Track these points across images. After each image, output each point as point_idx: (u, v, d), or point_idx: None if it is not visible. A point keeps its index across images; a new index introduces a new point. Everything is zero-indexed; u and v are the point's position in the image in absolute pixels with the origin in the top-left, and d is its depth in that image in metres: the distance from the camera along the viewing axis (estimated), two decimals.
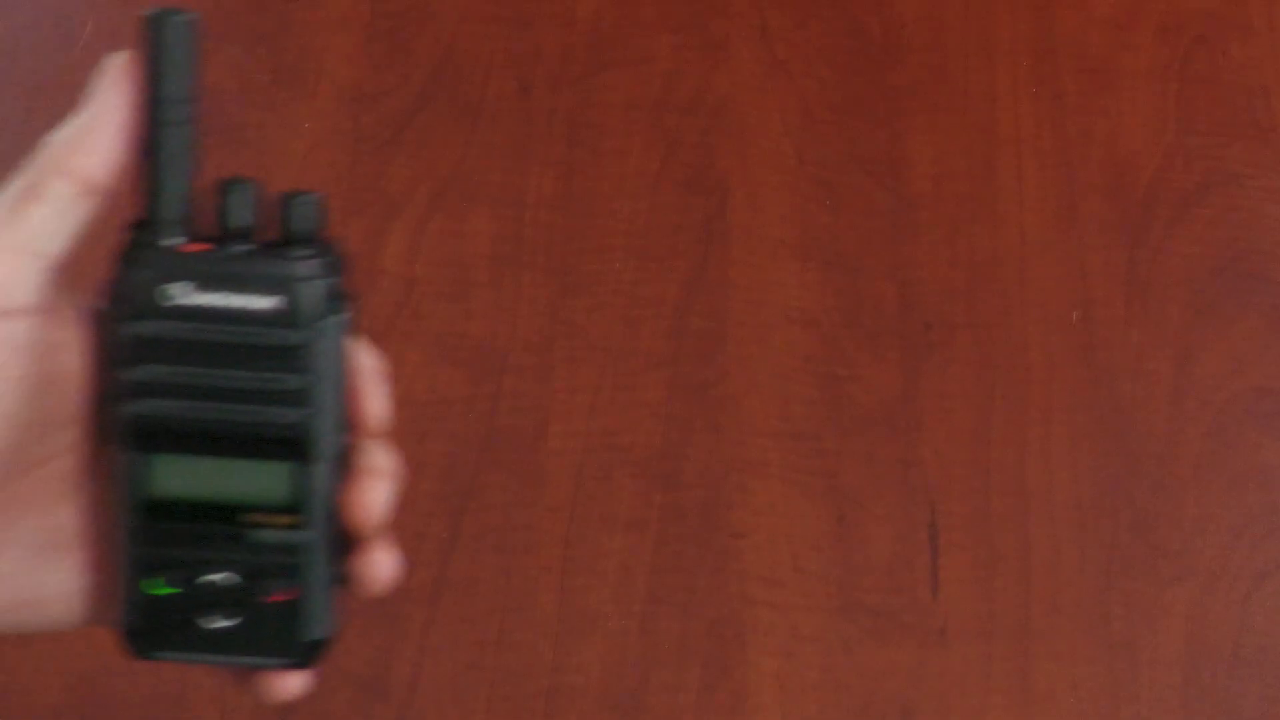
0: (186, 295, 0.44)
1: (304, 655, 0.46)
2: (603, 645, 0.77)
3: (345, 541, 0.46)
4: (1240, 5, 0.97)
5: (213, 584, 0.45)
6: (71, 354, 0.45)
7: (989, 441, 0.84)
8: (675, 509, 0.81)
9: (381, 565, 0.46)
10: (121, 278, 0.44)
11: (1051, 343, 0.87)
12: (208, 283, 0.44)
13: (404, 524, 0.50)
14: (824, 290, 0.87)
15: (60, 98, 0.99)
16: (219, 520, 0.45)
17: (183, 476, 0.45)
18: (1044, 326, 0.87)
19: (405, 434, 0.56)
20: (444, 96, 0.94)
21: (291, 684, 0.47)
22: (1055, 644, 0.78)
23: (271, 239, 0.44)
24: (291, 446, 0.45)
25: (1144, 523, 0.81)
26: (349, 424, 0.45)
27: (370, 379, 0.46)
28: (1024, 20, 0.97)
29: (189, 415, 0.44)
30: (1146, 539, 0.81)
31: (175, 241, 0.44)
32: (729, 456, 0.81)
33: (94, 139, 0.44)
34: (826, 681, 0.77)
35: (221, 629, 0.46)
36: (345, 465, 0.45)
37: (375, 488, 0.45)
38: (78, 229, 0.44)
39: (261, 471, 0.45)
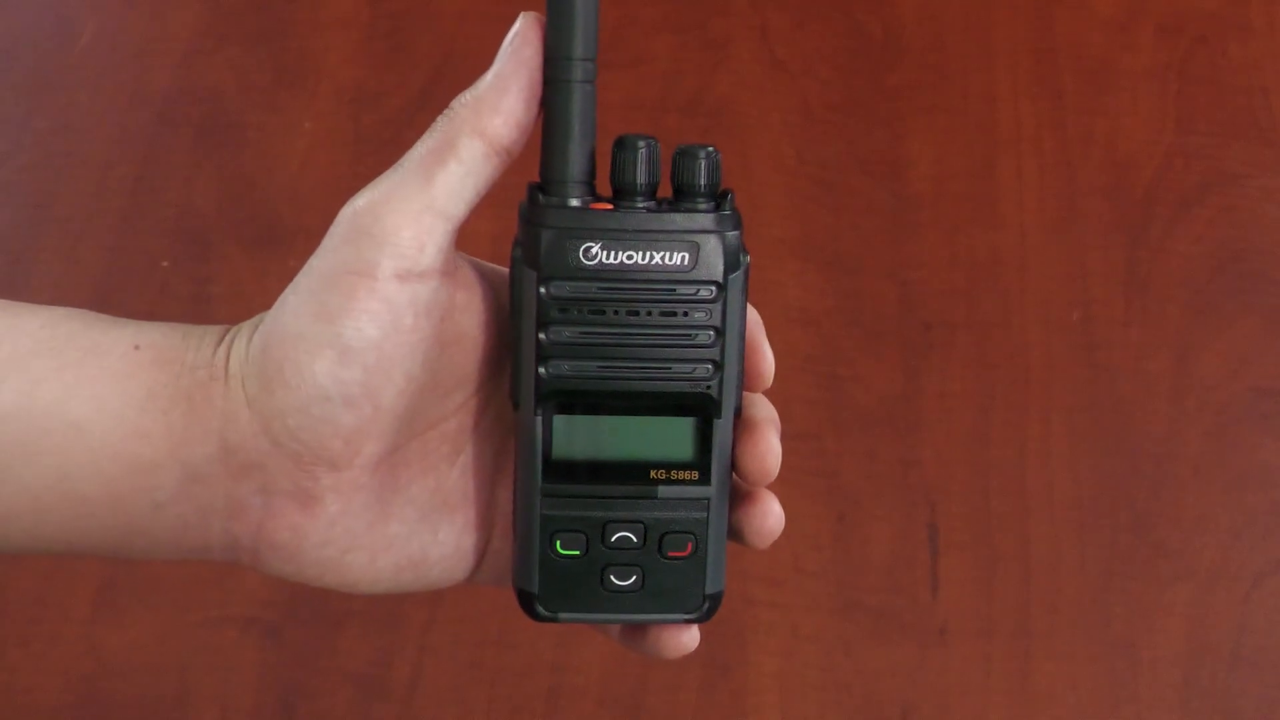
0: (603, 254, 0.43)
1: (704, 609, 0.46)
2: (603, 645, 0.77)
3: (735, 494, 0.46)
4: (1240, 5, 0.97)
5: (619, 543, 0.45)
6: (469, 315, 0.45)
7: (989, 441, 0.84)
8: None
9: (773, 516, 0.46)
10: (536, 238, 0.43)
11: (1051, 343, 0.87)
12: (621, 240, 0.44)
13: None
14: (824, 290, 0.87)
15: (60, 98, 0.99)
16: (626, 480, 0.45)
17: (592, 436, 0.45)
18: (1044, 326, 0.87)
19: None
20: (444, 96, 0.94)
21: (689, 638, 0.47)
22: (1055, 644, 0.78)
23: (668, 195, 0.44)
24: (702, 402, 0.45)
25: (1144, 523, 0.81)
26: (743, 378, 0.45)
27: (759, 331, 0.46)
28: (1024, 20, 0.98)
29: (603, 375, 0.44)
30: (1146, 539, 0.81)
31: (582, 201, 0.44)
32: None
33: (504, 98, 0.44)
34: (826, 681, 0.77)
35: (626, 587, 0.46)
36: (738, 418, 0.45)
37: (771, 439, 0.45)
38: (482, 190, 0.44)
39: (670, 428, 0.45)
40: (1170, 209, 0.91)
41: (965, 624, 0.78)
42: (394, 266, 0.42)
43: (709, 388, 0.44)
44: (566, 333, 0.44)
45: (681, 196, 0.44)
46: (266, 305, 0.45)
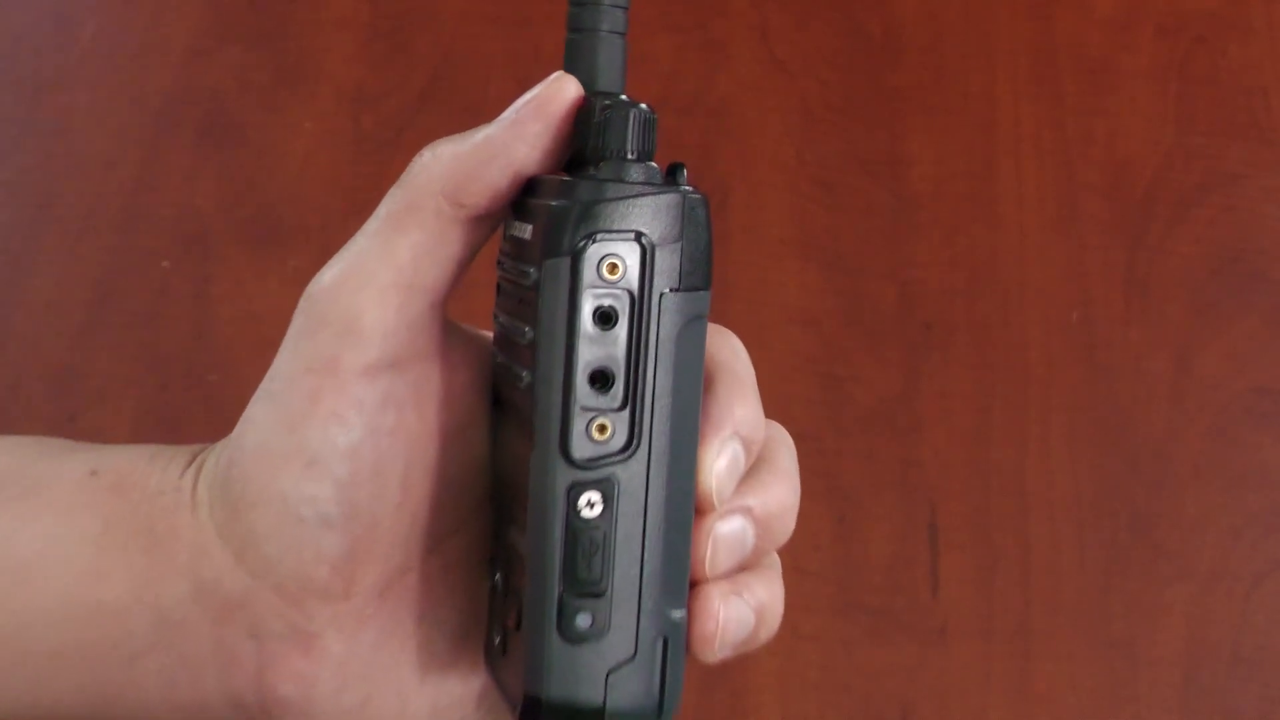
0: (514, 229, 0.37)
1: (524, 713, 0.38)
2: None
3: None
4: (1240, 5, 0.97)
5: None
6: (473, 396, 0.39)
7: (989, 441, 0.83)
8: None
9: (712, 620, 0.37)
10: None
11: (1051, 343, 0.86)
12: (522, 213, 0.37)
13: None
14: (824, 290, 0.87)
15: (60, 98, 0.99)
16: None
17: None
18: (1044, 326, 0.87)
19: None
20: (444, 96, 0.94)
21: None
22: (1055, 644, 0.78)
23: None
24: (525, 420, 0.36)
25: (1143, 523, 0.81)
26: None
27: (724, 372, 0.37)
28: (1024, 21, 0.97)
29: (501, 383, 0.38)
30: (1146, 539, 0.81)
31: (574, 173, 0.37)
32: None
33: (484, 167, 0.37)
34: (826, 681, 0.77)
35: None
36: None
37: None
38: (464, 255, 0.37)
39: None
40: (1170, 209, 0.90)
41: (965, 624, 0.78)
42: (359, 359, 0.36)
43: (522, 400, 0.36)
44: (501, 318, 0.38)
45: (603, 160, 0.36)
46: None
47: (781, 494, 0.39)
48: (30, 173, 0.93)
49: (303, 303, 0.37)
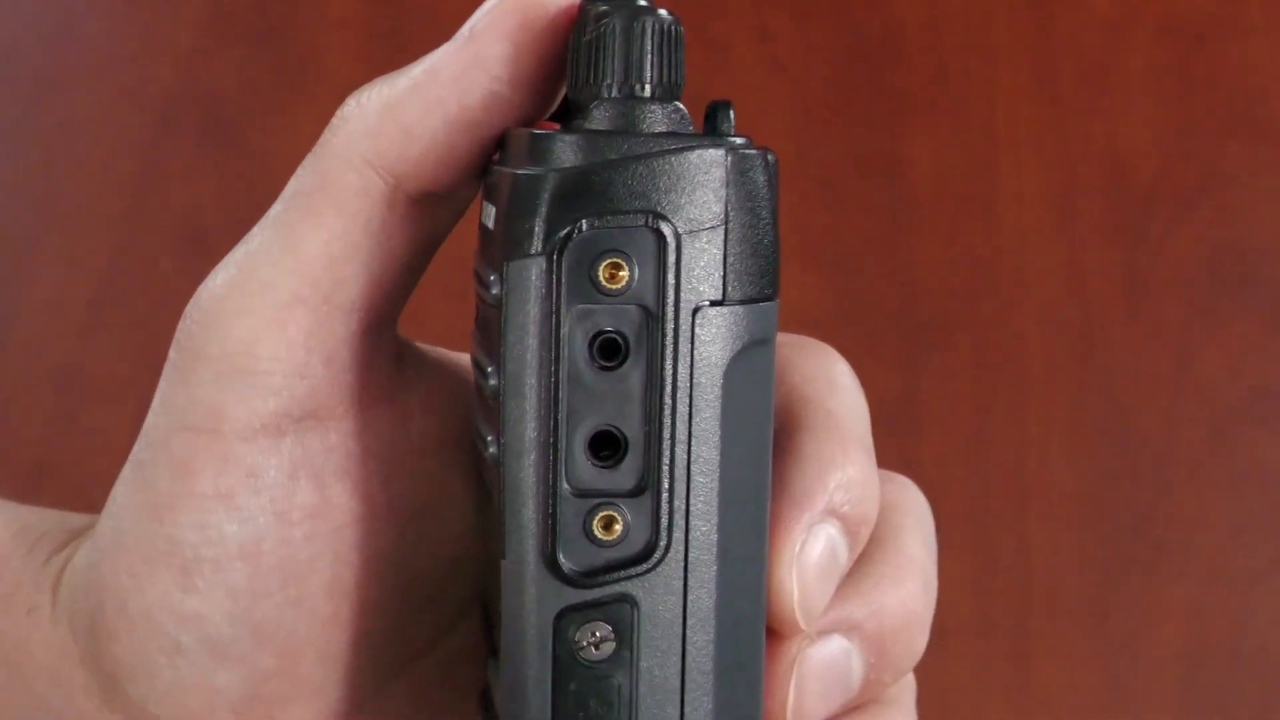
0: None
1: None
2: None
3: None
4: (1240, 5, 0.96)
5: None
6: (449, 454, 0.27)
7: (989, 441, 0.83)
8: None
9: None
10: None
11: (1051, 343, 0.86)
12: (488, 189, 0.26)
13: None
14: (824, 290, 0.87)
15: (60, 97, 0.99)
16: None
17: None
18: (1043, 326, 0.86)
19: None
20: None
21: None
22: (1055, 644, 0.77)
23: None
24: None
25: (1144, 522, 0.81)
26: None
27: (811, 414, 0.25)
28: (1023, 21, 0.96)
29: None
30: (1145, 538, 0.80)
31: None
32: None
33: (429, 116, 0.25)
34: None
35: None
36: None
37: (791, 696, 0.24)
38: (409, 254, 0.26)
39: None
40: (1170, 209, 0.90)
41: (965, 624, 0.78)
42: (252, 410, 0.24)
43: (491, 478, 0.24)
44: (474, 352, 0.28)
45: (598, 100, 0.24)
46: None
47: (906, 596, 0.27)
48: (30, 173, 0.93)
49: (182, 324, 0.27)
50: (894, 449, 0.84)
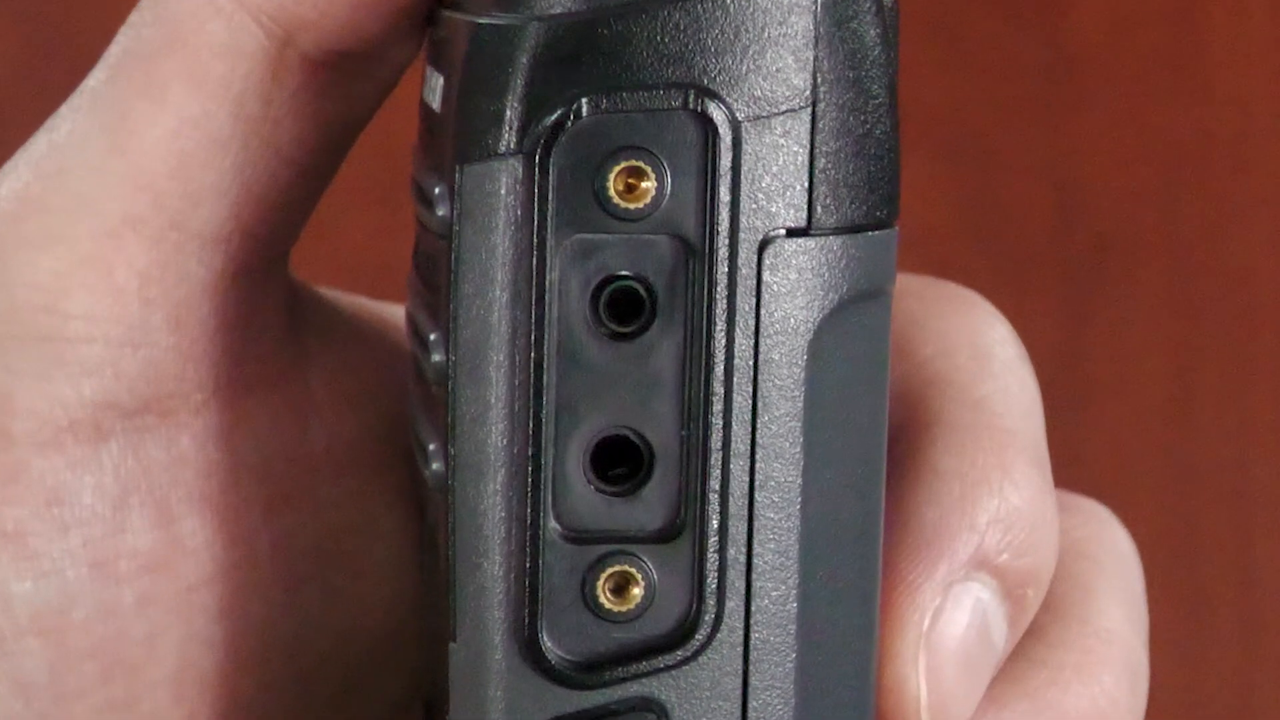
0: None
1: None
2: None
3: None
4: None
5: None
6: (359, 477, 0.22)
7: (1193, 423, 0.73)
8: None
9: None
10: None
11: None
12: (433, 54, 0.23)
13: None
14: (945, 197, 0.77)
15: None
16: None
17: None
18: (1277, 250, 0.76)
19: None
20: None
21: None
22: None
23: None
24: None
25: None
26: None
27: (952, 409, 0.20)
28: None
29: None
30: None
31: None
32: None
33: None
34: None
35: None
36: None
37: None
38: (306, 153, 0.21)
39: None
40: None
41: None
42: (56, 401, 0.19)
43: (435, 513, 0.19)
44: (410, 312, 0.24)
45: None
46: None
47: (1101, 696, 0.20)
48: None
49: None
50: (1052, 435, 0.69)
